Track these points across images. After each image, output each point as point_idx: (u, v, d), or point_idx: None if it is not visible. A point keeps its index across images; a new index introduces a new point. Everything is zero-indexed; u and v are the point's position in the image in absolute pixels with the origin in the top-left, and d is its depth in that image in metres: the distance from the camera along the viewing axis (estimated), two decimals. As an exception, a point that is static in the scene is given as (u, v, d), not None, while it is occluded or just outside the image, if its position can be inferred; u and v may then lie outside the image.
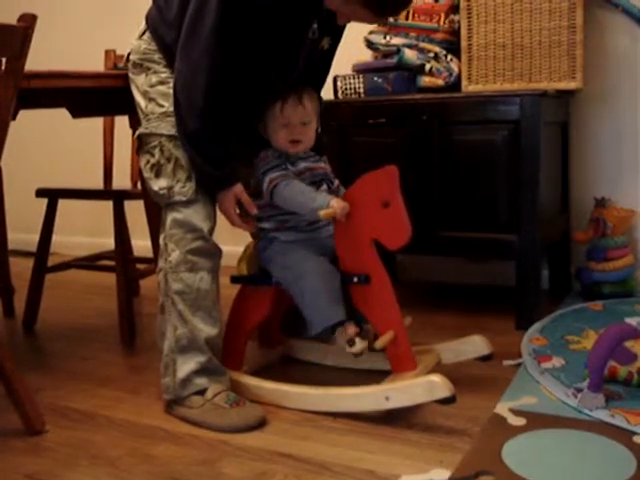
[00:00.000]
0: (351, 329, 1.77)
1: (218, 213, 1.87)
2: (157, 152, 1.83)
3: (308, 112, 1.90)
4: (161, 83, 1.86)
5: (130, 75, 1.93)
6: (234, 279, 1.96)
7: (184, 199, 1.81)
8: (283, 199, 1.83)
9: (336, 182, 2.00)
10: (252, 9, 1.71)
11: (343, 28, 2.00)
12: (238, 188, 1.83)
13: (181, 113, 1.77)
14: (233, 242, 2.20)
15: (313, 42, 1.90)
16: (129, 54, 1.94)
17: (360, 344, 1.76)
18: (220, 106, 1.77)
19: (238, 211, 1.89)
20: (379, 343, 1.75)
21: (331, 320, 1.77)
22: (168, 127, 1.82)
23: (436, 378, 1.66)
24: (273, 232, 1.92)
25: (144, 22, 1.92)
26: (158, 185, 1.83)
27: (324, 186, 1.92)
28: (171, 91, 1.81)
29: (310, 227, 1.90)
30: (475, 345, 1.94)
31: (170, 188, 1.82)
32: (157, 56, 1.87)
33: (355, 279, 1.80)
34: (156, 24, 1.88)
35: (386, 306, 1.79)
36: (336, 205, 1.75)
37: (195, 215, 1.81)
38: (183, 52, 1.76)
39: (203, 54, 1.72)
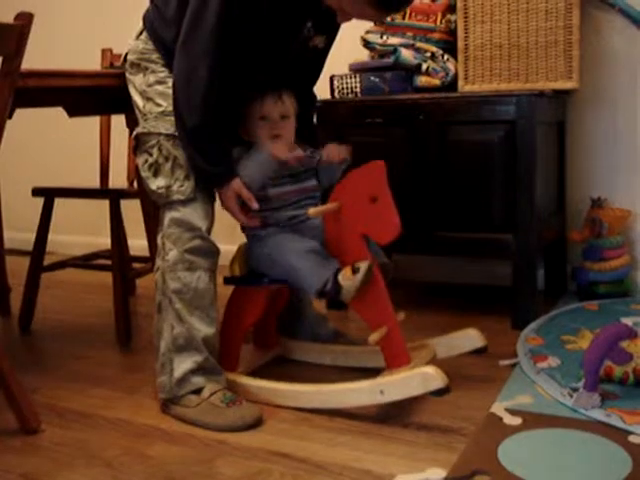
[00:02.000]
0: (348, 268, 1.75)
1: (217, 211, 1.87)
2: (155, 151, 1.83)
3: (287, 107, 1.90)
4: (159, 82, 1.86)
5: (128, 75, 1.93)
6: (227, 280, 1.96)
7: (182, 198, 1.81)
8: None
9: (315, 155, 1.97)
10: (251, 7, 1.72)
11: (338, 28, 2.01)
12: (236, 183, 1.82)
13: (180, 110, 1.77)
14: (231, 241, 2.20)
15: (305, 40, 1.90)
16: (126, 54, 1.94)
17: (363, 266, 1.72)
18: (218, 102, 1.77)
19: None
20: (372, 338, 1.75)
21: (325, 275, 1.75)
22: (167, 126, 1.82)
23: (429, 370, 1.66)
24: (254, 230, 1.91)
25: (141, 22, 1.93)
26: (156, 184, 1.83)
27: (309, 183, 1.94)
28: (169, 90, 1.81)
29: (291, 222, 1.90)
30: (469, 338, 1.95)
31: (168, 187, 1.81)
32: (155, 56, 1.88)
33: None
34: (154, 23, 1.88)
35: (378, 301, 1.78)
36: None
37: (193, 214, 1.81)
38: (183, 50, 1.76)
39: (204, 51, 1.72)
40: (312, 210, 1.75)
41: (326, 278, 1.75)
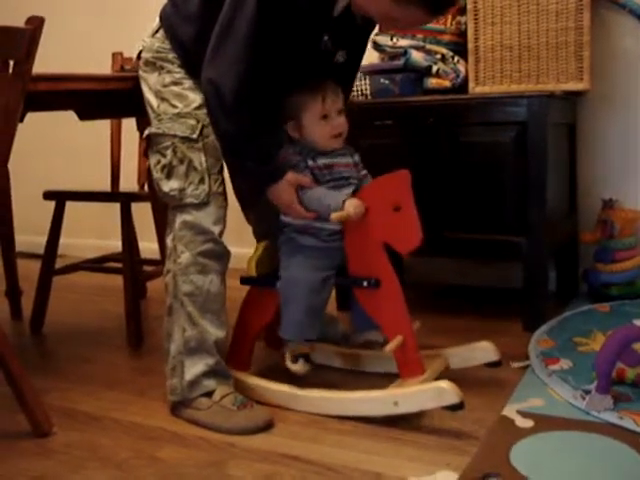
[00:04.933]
0: (304, 348, 1.86)
1: (228, 216, 1.86)
2: (169, 153, 1.82)
3: (342, 101, 1.86)
4: (175, 83, 1.84)
5: (141, 73, 1.91)
6: (243, 280, 1.96)
7: (196, 202, 1.80)
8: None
9: (363, 172, 1.94)
10: (285, 15, 1.68)
11: (363, 42, 1.99)
12: (290, 175, 1.79)
13: (215, 118, 1.74)
14: (239, 244, 2.20)
15: (326, 55, 1.87)
16: (140, 52, 1.92)
17: (302, 366, 1.86)
18: (251, 106, 1.73)
19: None
20: (388, 348, 1.75)
21: (303, 336, 1.84)
22: (182, 128, 1.81)
23: (445, 385, 1.65)
24: (294, 233, 1.88)
25: (157, 20, 1.89)
26: (169, 186, 1.82)
27: (347, 190, 1.82)
28: (185, 92, 1.81)
29: (331, 237, 1.86)
30: (483, 351, 1.93)
31: (182, 190, 1.81)
32: (171, 55, 1.85)
33: (365, 283, 1.80)
34: (171, 21, 1.85)
35: (395, 310, 1.78)
36: (350, 207, 1.73)
37: (206, 218, 1.80)
38: (212, 57, 1.71)
39: (236, 59, 1.69)
40: (335, 215, 1.74)
41: (299, 347, 1.86)
